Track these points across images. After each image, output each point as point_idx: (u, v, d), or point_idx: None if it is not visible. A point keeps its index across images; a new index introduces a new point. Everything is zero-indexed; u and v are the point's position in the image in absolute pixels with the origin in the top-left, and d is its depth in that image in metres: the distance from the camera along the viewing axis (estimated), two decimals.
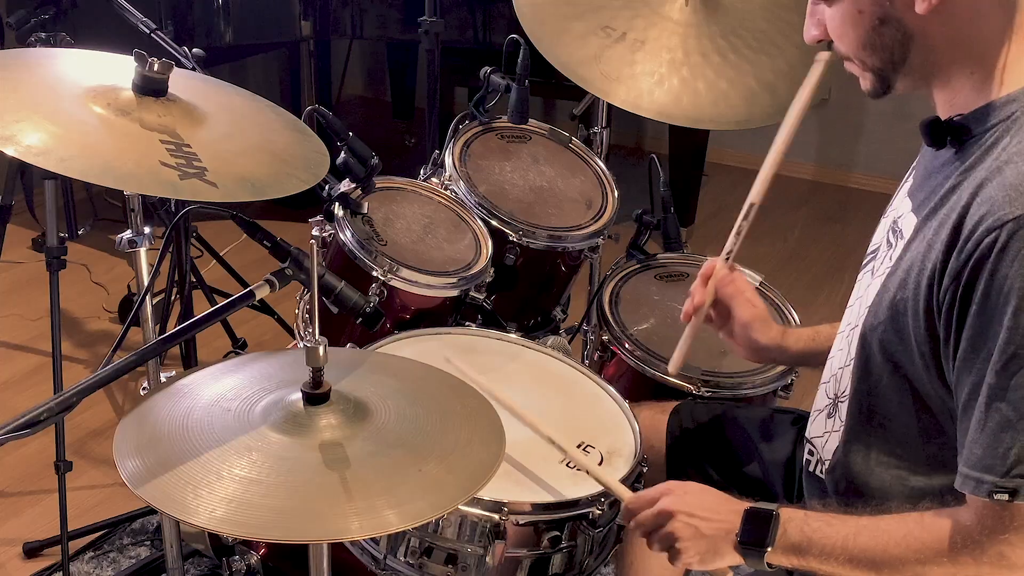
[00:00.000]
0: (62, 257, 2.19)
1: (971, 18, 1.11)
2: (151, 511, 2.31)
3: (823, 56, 1.33)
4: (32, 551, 2.25)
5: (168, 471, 1.06)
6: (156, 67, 1.36)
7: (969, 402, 1.09)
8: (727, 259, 1.49)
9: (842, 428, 1.31)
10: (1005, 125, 1.10)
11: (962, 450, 1.10)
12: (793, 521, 1.21)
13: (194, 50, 1.97)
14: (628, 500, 1.33)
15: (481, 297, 1.86)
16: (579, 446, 1.46)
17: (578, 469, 1.41)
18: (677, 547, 1.25)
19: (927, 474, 1.22)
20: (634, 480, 1.41)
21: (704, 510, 1.25)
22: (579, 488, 1.38)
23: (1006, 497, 1.06)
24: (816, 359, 1.46)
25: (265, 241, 1.46)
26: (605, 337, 1.87)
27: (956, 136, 1.15)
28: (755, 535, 1.21)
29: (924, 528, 1.14)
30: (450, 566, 1.36)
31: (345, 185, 1.80)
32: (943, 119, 1.17)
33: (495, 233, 1.94)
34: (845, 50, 1.20)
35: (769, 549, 1.20)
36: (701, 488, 1.29)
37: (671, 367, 1.56)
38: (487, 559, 1.34)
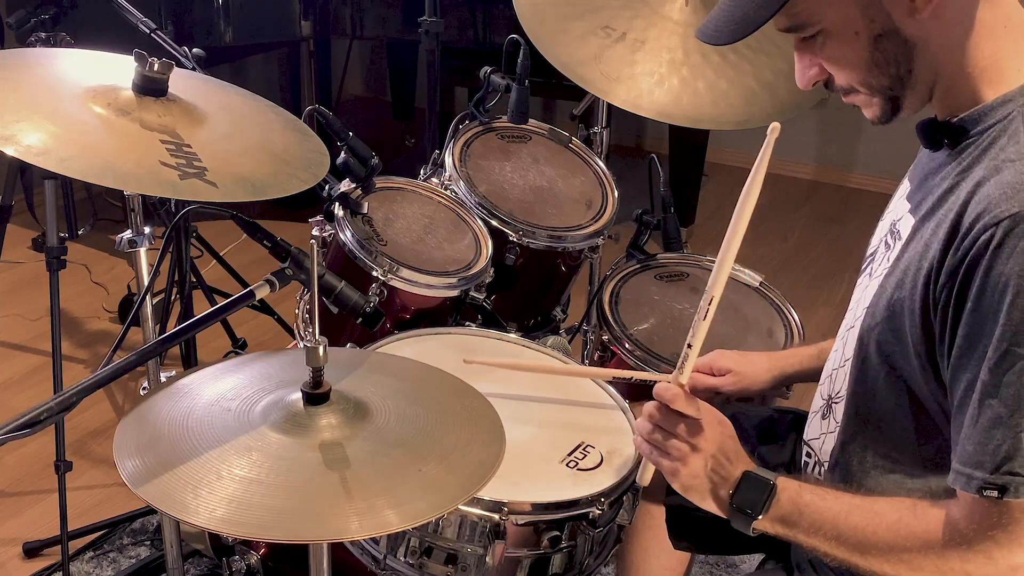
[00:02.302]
0: (62, 257, 2.19)
1: (963, 19, 1.11)
2: (151, 511, 2.31)
3: (775, 127, 1.16)
4: (32, 551, 2.25)
5: (168, 471, 1.06)
6: (156, 67, 1.36)
7: (964, 399, 1.09)
8: (681, 369, 1.27)
9: (837, 429, 1.31)
10: (1002, 125, 1.11)
11: (955, 447, 1.11)
12: (787, 491, 1.20)
13: (194, 50, 1.97)
14: (673, 393, 1.23)
15: (481, 297, 1.85)
16: (579, 446, 1.46)
17: (581, 468, 1.41)
18: (677, 467, 1.24)
19: (924, 477, 1.22)
20: (634, 480, 1.41)
21: (723, 455, 1.24)
22: (579, 488, 1.38)
23: (995, 494, 1.06)
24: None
25: (265, 241, 1.46)
26: (605, 337, 1.87)
27: (952, 137, 1.15)
28: (748, 502, 1.21)
29: (916, 517, 1.14)
30: (450, 566, 1.36)
31: (345, 185, 1.80)
32: (940, 120, 1.17)
33: (495, 233, 1.94)
34: (848, 80, 1.18)
35: (759, 517, 1.20)
36: (732, 435, 1.27)
37: (639, 479, 1.38)
38: (487, 559, 1.34)
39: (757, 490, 1.21)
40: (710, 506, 1.24)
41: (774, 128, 1.15)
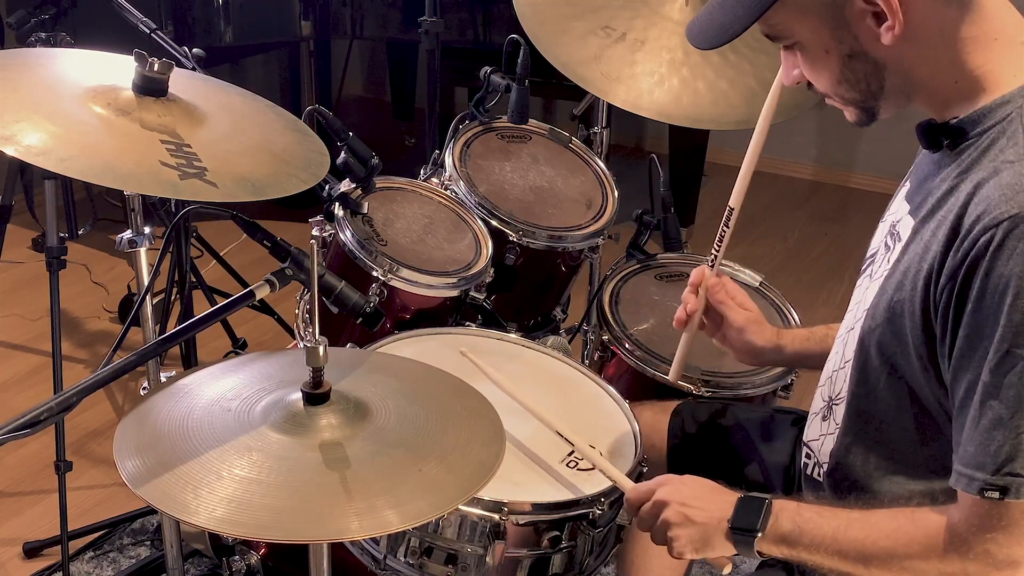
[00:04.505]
0: (62, 257, 2.19)
1: (943, 38, 1.11)
2: (151, 511, 2.31)
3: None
4: (32, 551, 2.25)
5: (168, 471, 1.06)
6: (156, 67, 1.36)
7: (965, 400, 1.09)
8: (712, 265, 1.51)
9: (838, 431, 1.31)
10: (1001, 127, 1.10)
11: (957, 448, 1.11)
12: (785, 511, 1.21)
13: (194, 50, 1.97)
14: (629, 492, 1.34)
15: (481, 297, 1.85)
16: None
17: (580, 468, 1.41)
18: (670, 535, 1.26)
19: (927, 478, 1.22)
20: (634, 481, 1.41)
21: (696, 499, 1.26)
22: (579, 488, 1.38)
23: (996, 495, 1.06)
24: (813, 360, 1.47)
25: (265, 241, 1.46)
26: (605, 337, 1.87)
27: (952, 139, 1.15)
28: (746, 521, 1.22)
29: (915, 524, 1.14)
30: (450, 566, 1.36)
31: (345, 185, 1.80)
32: (939, 122, 1.17)
33: (495, 233, 1.94)
34: (822, 89, 1.21)
35: (759, 536, 1.21)
36: (696, 479, 1.30)
37: (671, 375, 1.59)
38: (487, 559, 1.34)
39: (753, 509, 1.22)
40: (721, 546, 1.25)
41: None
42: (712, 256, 1.51)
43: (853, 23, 1.12)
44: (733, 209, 1.48)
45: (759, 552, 1.22)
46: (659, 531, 1.28)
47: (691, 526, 1.25)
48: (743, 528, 1.22)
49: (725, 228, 1.49)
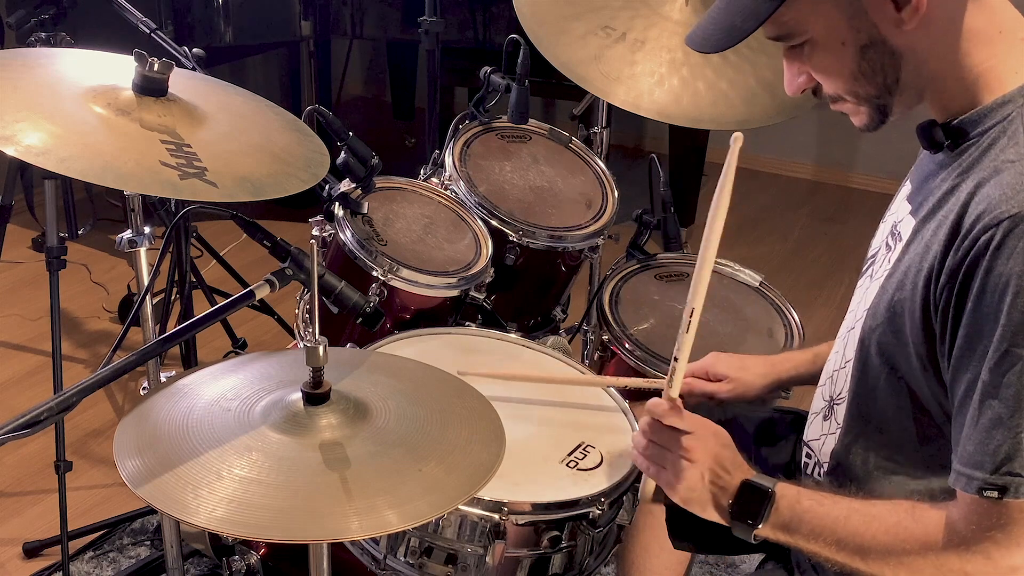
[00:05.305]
0: (62, 257, 2.19)
1: (951, 26, 1.11)
2: (151, 511, 2.31)
3: (738, 137, 1.16)
4: (32, 551, 2.25)
5: (168, 471, 1.06)
6: (156, 67, 1.36)
7: (964, 400, 1.09)
8: (671, 384, 1.28)
9: (839, 431, 1.31)
10: (1001, 127, 1.11)
11: (956, 447, 1.11)
12: (785, 498, 1.20)
13: (194, 50, 1.97)
14: (664, 409, 1.25)
15: (481, 297, 1.86)
16: (579, 446, 1.46)
17: (581, 468, 1.41)
18: (673, 481, 1.24)
19: (926, 478, 1.22)
20: (634, 480, 1.41)
21: (719, 466, 1.24)
22: (579, 488, 1.38)
23: (995, 494, 1.06)
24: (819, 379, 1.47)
25: (265, 241, 1.47)
26: (605, 337, 1.87)
27: (952, 139, 1.15)
28: (748, 511, 1.21)
29: (915, 519, 1.14)
30: (450, 566, 1.36)
31: (345, 185, 1.80)
32: (939, 122, 1.17)
33: (495, 233, 1.94)
34: (835, 89, 1.19)
35: (759, 526, 1.20)
36: (728, 444, 1.27)
37: (642, 496, 1.37)
38: (487, 559, 1.34)
39: (757, 499, 1.21)
40: (712, 516, 1.24)
41: (736, 138, 1.15)
42: (669, 375, 1.27)
43: (871, 9, 1.11)
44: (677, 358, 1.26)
45: (756, 536, 1.21)
46: (664, 470, 1.24)
47: (699, 488, 1.23)
48: (743, 518, 1.21)
49: (679, 347, 1.25)
